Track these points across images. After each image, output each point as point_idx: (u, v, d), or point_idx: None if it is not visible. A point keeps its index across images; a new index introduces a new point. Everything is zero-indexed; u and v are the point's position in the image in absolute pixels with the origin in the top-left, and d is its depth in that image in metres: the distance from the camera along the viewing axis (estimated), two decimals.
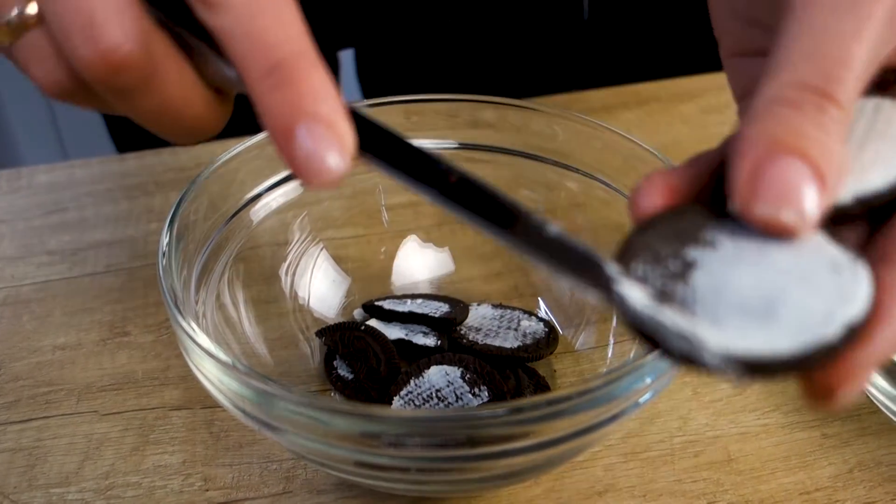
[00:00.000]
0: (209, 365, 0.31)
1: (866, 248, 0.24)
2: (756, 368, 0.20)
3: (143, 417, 0.41)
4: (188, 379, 0.43)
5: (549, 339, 0.43)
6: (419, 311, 0.43)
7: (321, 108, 0.22)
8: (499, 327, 0.43)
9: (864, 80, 0.23)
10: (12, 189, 0.57)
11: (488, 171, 0.46)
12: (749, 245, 0.22)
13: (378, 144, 0.24)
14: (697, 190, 0.25)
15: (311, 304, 0.44)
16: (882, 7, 0.22)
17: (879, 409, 0.40)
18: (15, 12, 0.24)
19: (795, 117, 0.21)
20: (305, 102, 0.22)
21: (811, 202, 0.21)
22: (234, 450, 0.40)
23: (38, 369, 0.44)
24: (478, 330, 0.43)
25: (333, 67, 0.79)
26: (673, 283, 0.22)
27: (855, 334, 0.20)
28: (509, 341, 0.42)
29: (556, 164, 0.45)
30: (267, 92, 0.22)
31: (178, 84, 0.25)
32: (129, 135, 0.76)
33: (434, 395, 0.39)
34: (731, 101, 0.66)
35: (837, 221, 0.23)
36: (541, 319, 0.44)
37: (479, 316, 0.44)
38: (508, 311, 0.45)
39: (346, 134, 0.22)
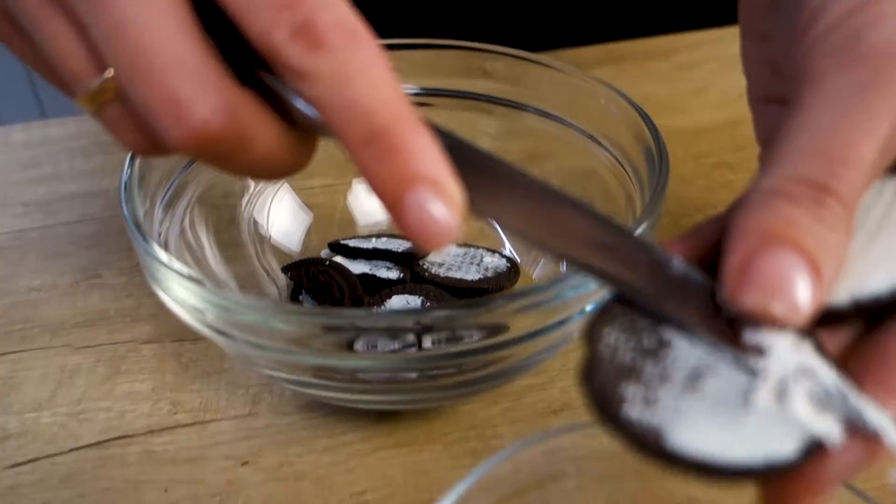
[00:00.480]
0: (174, 281, 0.32)
1: (854, 353, 0.22)
2: (709, 472, 0.19)
3: (114, 350, 0.42)
4: (159, 315, 0.44)
5: (510, 273, 0.44)
6: (383, 247, 0.44)
7: (427, 170, 0.21)
8: (461, 262, 0.45)
9: (873, 177, 0.22)
10: None
11: (454, 117, 0.48)
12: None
13: (485, 194, 0.23)
14: (695, 264, 0.23)
15: (275, 239, 0.45)
16: (893, 101, 0.21)
17: None
18: (98, 80, 0.24)
19: (791, 209, 0.21)
20: (411, 168, 0.21)
21: (804, 295, 0.20)
22: (203, 378, 0.41)
23: (14, 309, 0.45)
24: (440, 265, 0.44)
25: None
26: (643, 360, 0.21)
27: (813, 453, 0.20)
28: (471, 274, 0.44)
29: (523, 109, 0.46)
30: (371, 161, 0.21)
31: (267, 141, 0.24)
32: None
33: None
34: (704, 59, 0.68)
35: (830, 321, 0.22)
36: (504, 256, 0.46)
37: (443, 253, 0.46)
38: (472, 248, 0.46)
39: (455, 193, 0.22)
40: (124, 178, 0.36)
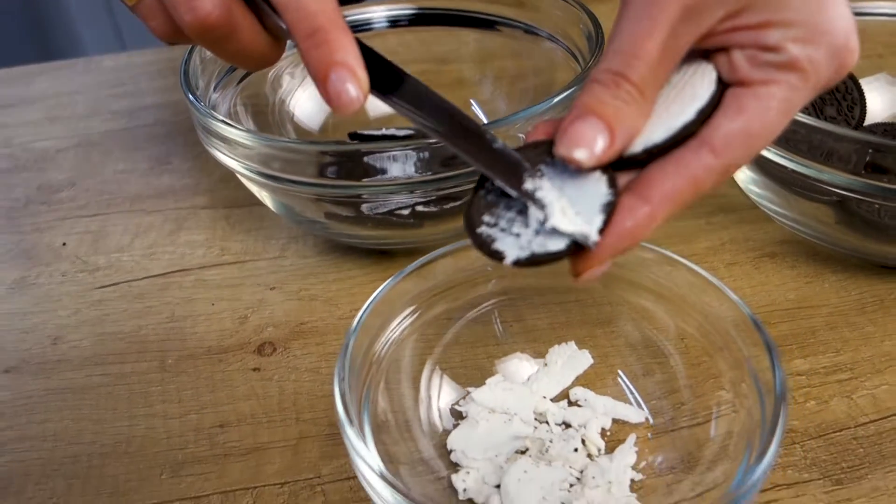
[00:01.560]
0: (225, 132, 0.42)
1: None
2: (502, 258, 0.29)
3: (178, 213, 0.54)
4: (214, 190, 0.55)
5: None
6: (389, 133, 0.54)
7: (347, 59, 0.30)
8: None
9: (665, 65, 0.29)
10: (86, 71, 0.71)
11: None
12: (558, 178, 0.30)
13: (385, 84, 0.32)
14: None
15: (298, 117, 0.55)
16: (671, 11, 0.29)
17: (756, 205, 0.50)
18: None
19: (600, 91, 0.29)
20: (335, 56, 0.30)
21: (599, 146, 0.29)
22: (245, 232, 0.52)
23: (103, 184, 0.57)
24: None
25: None
26: (499, 200, 0.31)
27: (577, 247, 0.29)
28: None
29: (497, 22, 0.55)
30: (309, 49, 0.31)
31: (249, 36, 0.34)
32: None
33: None
34: None
35: (633, 165, 0.30)
36: None
37: None
38: None
39: (363, 77, 0.31)
40: (182, 65, 0.47)
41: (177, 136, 0.62)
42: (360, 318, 0.35)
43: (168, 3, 0.33)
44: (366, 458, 0.30)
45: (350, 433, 0.30)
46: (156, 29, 0.35)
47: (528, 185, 0.30)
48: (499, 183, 0.30)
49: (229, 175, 0.55)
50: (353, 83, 0.31)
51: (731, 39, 0.30)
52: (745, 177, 0.48)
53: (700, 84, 0.31)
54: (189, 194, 0.56)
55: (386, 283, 0.37)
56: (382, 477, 0.29)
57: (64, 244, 0.52)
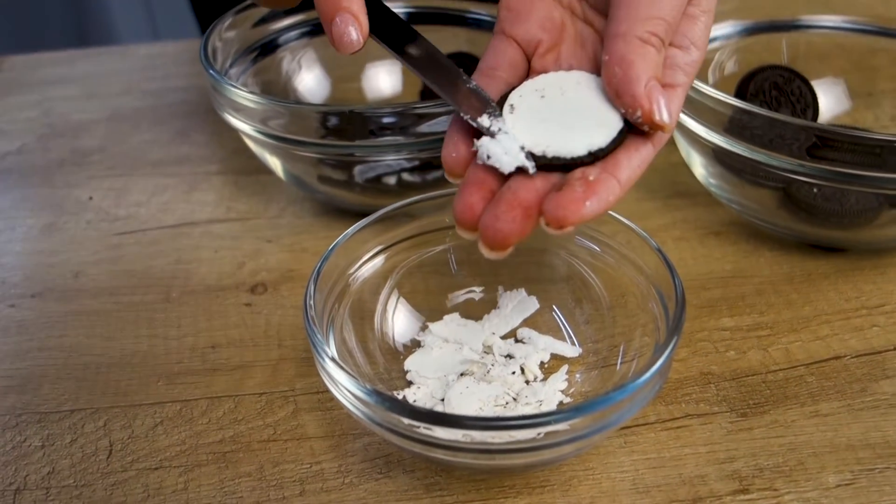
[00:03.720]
0: (237, 97, 0.49)
1: None
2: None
3: (193, 177, 0.60)
4: (226, 160, 0.62)
5: None
6: None
7: (351, 6, 0.37)
8: None
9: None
10: (122, 57, 0.78)
11: None
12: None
13: (381, 30, 0.39)
14: None
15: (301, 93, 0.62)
16: None
17: (709, 192, 0.55)
18: None
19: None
20: (342, 3, 0.36)
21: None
22: (249, 196, 0.58)
23: (129, 151, 0.64)
24: None
25: None
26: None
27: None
28: None
29: None
30: None
31: None
32: (211, 19, 0.94)
33: None
34: None
35: (566, 169, 0.33)
36: None
37: None
38: None
39: (364, 22, 0.36)
40: (203, 41, 0.53)
41: (198, 115, 0.68)
42: (332, 248, 0.41)
43: None
44: (327, 349, 0.35)
45: (312, 315, 0.36)
46: None
47: (486, 120, 0.34)
48: (463, 116, 0.35)
49: (241, 148, 0.62)
50: (355, 26, 0.36)
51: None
52: (703, 171, 0.53)
53: (600, 93, 0.35)
54: (204, 162, 0.62)
55: (355, 225, 0.42)
56: (333, 360, 0.34)
57: (90, 198, 0.59)
